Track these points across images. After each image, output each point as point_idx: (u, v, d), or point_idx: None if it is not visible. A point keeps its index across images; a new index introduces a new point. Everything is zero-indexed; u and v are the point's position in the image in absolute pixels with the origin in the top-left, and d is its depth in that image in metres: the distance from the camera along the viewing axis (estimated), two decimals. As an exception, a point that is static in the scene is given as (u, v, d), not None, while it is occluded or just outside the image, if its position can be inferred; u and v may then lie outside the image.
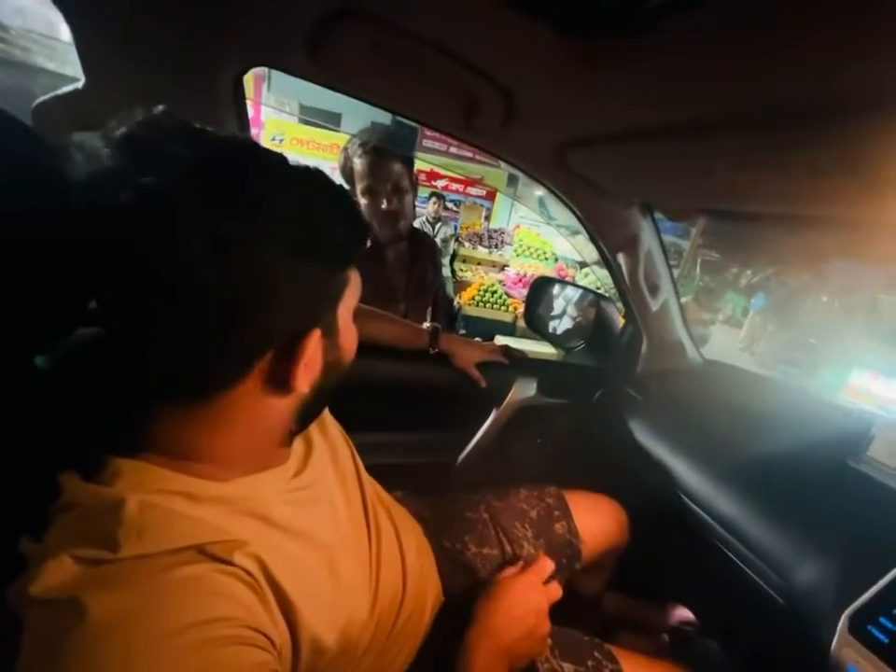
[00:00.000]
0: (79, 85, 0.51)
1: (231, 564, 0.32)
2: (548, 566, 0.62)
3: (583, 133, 0.58)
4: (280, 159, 0.36)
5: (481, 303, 3.80)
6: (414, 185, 1.18)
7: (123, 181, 0.29)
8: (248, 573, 0.33)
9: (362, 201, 1.11)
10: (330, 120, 4.41)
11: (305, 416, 0.43)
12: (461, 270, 4.29)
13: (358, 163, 1.07)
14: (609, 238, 0.88)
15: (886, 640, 0.49)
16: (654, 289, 0.94)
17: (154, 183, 0.29)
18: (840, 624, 0.52)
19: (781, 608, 0.61)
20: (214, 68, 0.54)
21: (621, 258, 0.89)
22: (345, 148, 1.10)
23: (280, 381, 0.37)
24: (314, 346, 0.37)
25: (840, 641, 0.51)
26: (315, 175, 0.37)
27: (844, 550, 0.59)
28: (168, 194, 0.29)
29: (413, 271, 1.27)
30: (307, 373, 0.38)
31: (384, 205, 1.10)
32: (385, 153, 1.07)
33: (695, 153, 0.51)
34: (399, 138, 1.18)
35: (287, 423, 0.42)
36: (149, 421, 0.36)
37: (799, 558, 0.61)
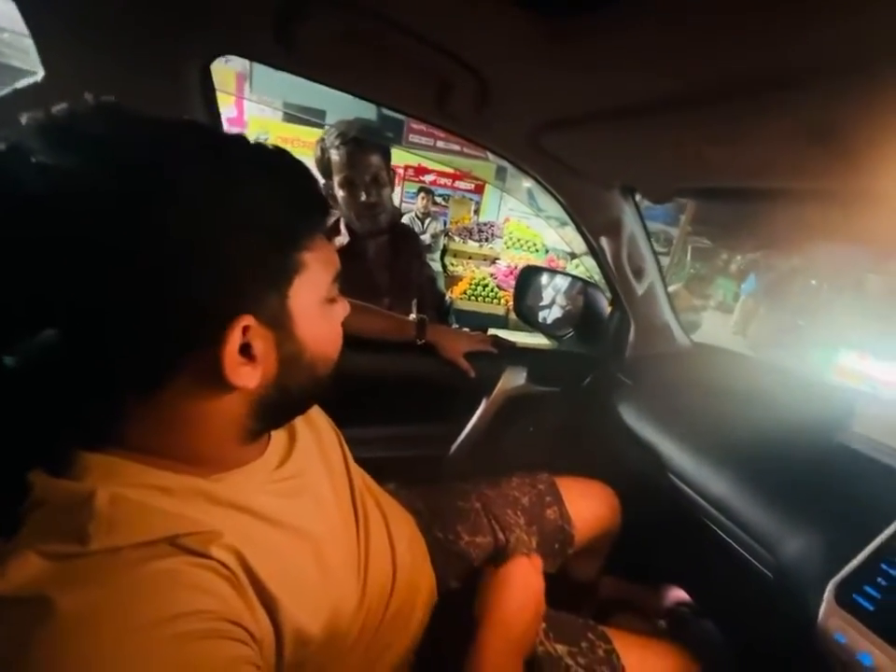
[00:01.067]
0: (38, 78, 0.50)
1: (206, 557, 0.32)
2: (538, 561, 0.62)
3: (557, 113, 0.57)
4: (224, 138, 0.35)
5: (472, 297, 3.80)
6: (392, 178, 1.17)
7: (26, 166, 0.27)
8: (225, 566, 0.32)
9: (340, 193, 1.10)
10: (315, 117, 4.37)
11: (270, 415, 0.39)
12: (452, 264, 4.28)
13: (336, 155, 1.06)
14: (592, 222, 0.87)
15: (871, 608, 0.50)
16: (639, 273, 0.94)
17: (57, 165, 0.28)
18: (826, 595, 0.53)
19: (770, 582, 0.62)
20: (180, 57, 0.53)
21: (604, 242, 0.89)
22: (322, 140, 1.09)
23: (214, 374, 0.33)
24: (258, 337, 0.34)
25: (827, 611, 0.52)
26: (266, 153, 0.36)
27: (829, 522, 0.60)
28: (74, 177, 0.28)
29: (395, 265, 1.26)
30: (255, 368, 0.35)
31: (362, 198, 1.08)
32: (364, 144, 1.06)
33: (667, 129, 0.51)
34: (378, 132, 1.16)
35: (241, 421, 0.38)
36: (117, 417, 0.35)
37: (786, 533, 0.62)
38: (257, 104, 4.53)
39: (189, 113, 0.56)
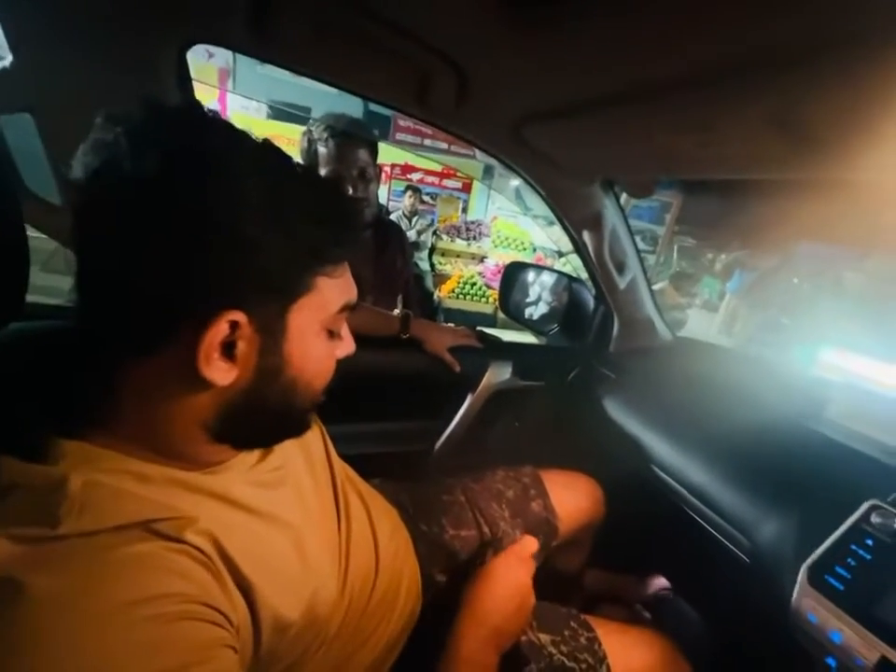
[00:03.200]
0: (6, 64, 0.49)
1: (181, 541, 0.31)
2: (531, 543, 0.61)
3: (536, 106, 0.58)
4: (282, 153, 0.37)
5: (461, 296, 3.81)
6: (378, 174, 1.17)
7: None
8: (200, 550, 0.32)
9: None
10: (299, 114, 4.34)
11: (233, 424, 0.37)
12: (440, 263, 4.28)
13: (323, 148, 1.05)
14: (574, 216, 0.88)
15: (841, 588, 0.51)
16: (621, 267, 0.95)
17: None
18: (800, 577, 0.54)
19: (747, 566, 0.63)
20: (153, 45, 0.52)
21: (586, 236, 0.90)
22: (308, 131, 1.07)
23: (191, 360, 0.33)
24: (244, 336, 0.34)
25: (800, 592, 0.53)
26: (320, 177, 0.39)
27: (802, 507, 0.62)
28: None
29: (379, 260, 1.26)
30: (232, 367, 0.34)
31: (349, 192, 1.08)
32: (352, 139, 1.05)
33: (640, 121, 0.51)
34: (366, 127, 1.16)
35: (204, 419, 0.36)
36: (97, 401, 0.35)
37: (761, 518, 0.63)
38: (241, 100, 4.47)
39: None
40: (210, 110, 0.37)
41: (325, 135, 1.04)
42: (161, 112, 0.34)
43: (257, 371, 0.36)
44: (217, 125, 0.35)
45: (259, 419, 0.39)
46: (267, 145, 0.37)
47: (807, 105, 0.39)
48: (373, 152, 1.12)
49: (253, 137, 0.36)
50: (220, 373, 0.34)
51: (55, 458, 0.32)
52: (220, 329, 0.32)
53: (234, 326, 0.33)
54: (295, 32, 0.51)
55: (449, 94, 0.59)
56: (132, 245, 0.31)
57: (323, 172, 1.07)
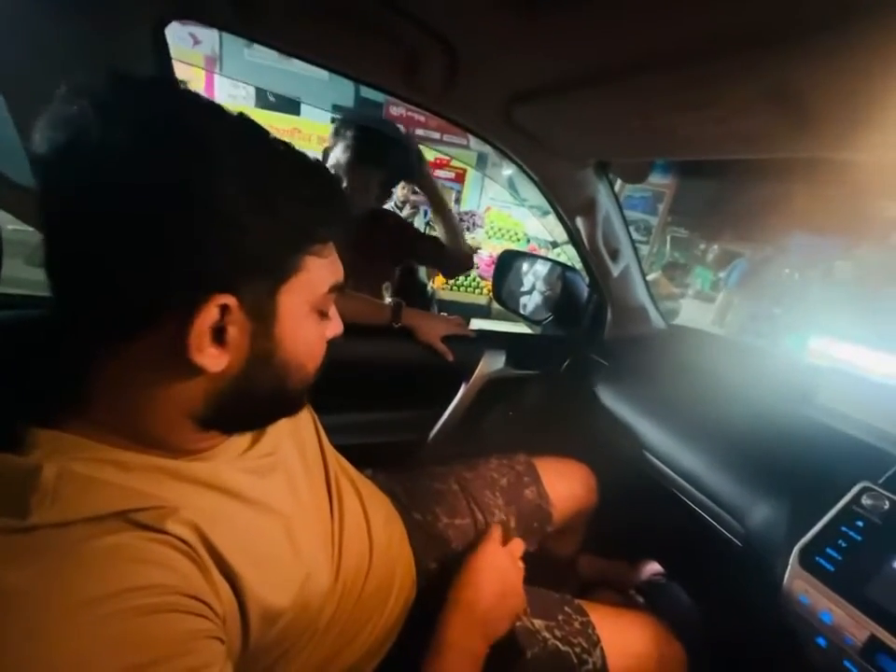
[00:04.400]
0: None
1: (161, 532, 0.30)
2: (518, 545, 0.63)
3: (528, 85, 0.56)
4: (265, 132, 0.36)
5: (455, 287, 3.80)
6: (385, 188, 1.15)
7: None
8: (183, 541, 0.31)
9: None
10: (288, 104, 4.26)
11: (224, 411, 0.37)
12: (434, 254, 4.25)
13: (340, 160, 1.03)
14: (567, 202, 0.87)
15: (832, 569, 0.52)
16: (614, 254, 0.95)
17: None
18: (791, 559, 0.54)
19: (739, 550, 0.64)
20: (128, 19, 0.50)
21: (579, 222, 0.89)
22: (336, 133, 1.07)
23: (178, 347, 0.32)
24: (233, 321, 0.33)
25: (792, 574, 0.54)
26: (305, 157, 0.36)
27: (794, 490, 0.62)
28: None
29: (363, 246, 1.23)
30: (223, 353, 0.33)
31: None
32: (368, 160, 1.04)
33: (635, 99, 0.50)
34: (400, 155, 1.12)
35: (193, 406, 0.35)
36: (69, 390, 0.34)
37: (753, 502, 0.64)
38: (229, 89, 4.38)
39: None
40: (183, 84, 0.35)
41: (344, 158, 1.03)
42: (130, 82, 0.32)
43: (248, 355, 0.35)
44: (190, 96, 0.34)
45: (251, 404, 0.38)
46: (245, 119, 0.35)
47: (808, 81, 0.38)
48: (390, 175, 1.09)
49: (230, 112, 0.35)
50: (212, 360, 0.33)
51: (28, 447, 0.31)
52: (210, 314, 0.32)
53: (224, 310, 0.32)
54: (278, 9, 0.49)
55: (437, 73, 0.57)
56: (105, 226, 0.30)
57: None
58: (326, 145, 1.09)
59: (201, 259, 0.31)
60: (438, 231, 1.28)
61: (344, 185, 1.05)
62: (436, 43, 0.51)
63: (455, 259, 1.30)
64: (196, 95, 0.34)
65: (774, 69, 0.38)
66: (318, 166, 0.38)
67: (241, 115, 0.35)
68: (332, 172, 1.04)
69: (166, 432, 0.36)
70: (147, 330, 0.32)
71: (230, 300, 0.32)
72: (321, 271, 0.38)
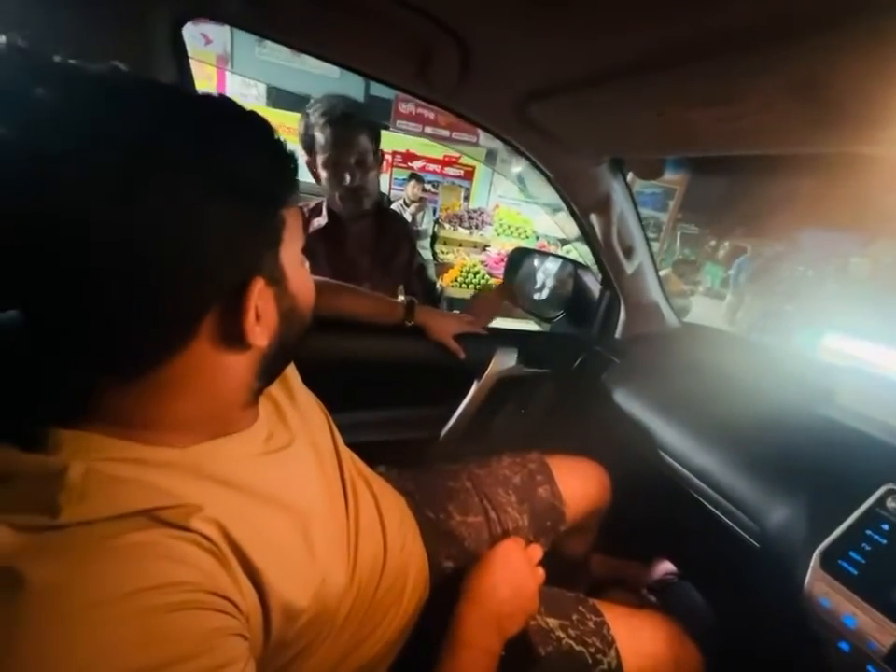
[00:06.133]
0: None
1: (187, 529, 0.31)
2: (536, 551, 0.62)
3: (542, 80, 0.55)
4: (170, 93, 0.33)
5: (463, 285, 3.79)
6: (380, 160, 1.13)
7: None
8: (207, 538, 0.32)
9: (323, 174, 1.06)
10: (299, 102, 4.28)
11: (268, 372, 0.42)
12: (442, 252, 4.25)
13: (321, 134, 1.01)
14: (581, 199, 0.86)
15: (855, 572, 0.51)
16: (629, 252, 0.94)
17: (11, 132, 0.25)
18: (812, 561, 0.53)
19: (757, 551, 0.63)
20: (145, 19, 0.50)
21: (594, 219, 0.88)
22: (306, 115, 1.03)
23: (233, 337, 0.35)
24: (262, 296, 0.35)
25: (813, 577, 0.53)
26: (221, 107, 0.34)
27: (814, 492, 0.61)
28: (34, 144, 0.26)
29: (378, 249, 1.23)
30: (263, 326, 0.36)
31: (346, 181, 1.05)
32: (351, 124, 1.01)
33: (652, 95, 0.49)
34: (367, 110, 1.12)
35: (248, 381, 0.40)
36: (93, 392, 0.34)
37: (772, 503, 0.63)
38: (240, 87, 4.40)
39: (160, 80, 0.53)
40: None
41: (322, 121, 1.00)
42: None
43: (280, 317, 0.39)
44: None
45: (287, 354, 0.44)
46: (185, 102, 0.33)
47: (832, 74, 0.37)
48: (374, 137, 1.08)
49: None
50: (260, 336, 0.36)
51: (53, 448, 0.31)
52: (254, 301, 0.34)
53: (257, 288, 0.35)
54: (293, 4, 0.49)
55: (451, 69, 0.57)
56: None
57: (320, 158, 1.04)
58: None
59: (219, 266, 0.33)
60: None
61: (341, 160, 1.03)
62: (449, 39, 0.51)
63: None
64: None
65: (797, 63, 0.37)
66: (234, 113, 0.35)
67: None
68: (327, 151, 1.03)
69: (213, 415, 0.38)
70: (199, 331, 0.34)
71: (260, 282, 0.35)
72: (293, 217, 0.39)
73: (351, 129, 1.02)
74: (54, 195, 0.26)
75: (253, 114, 0.36)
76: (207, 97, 0.34)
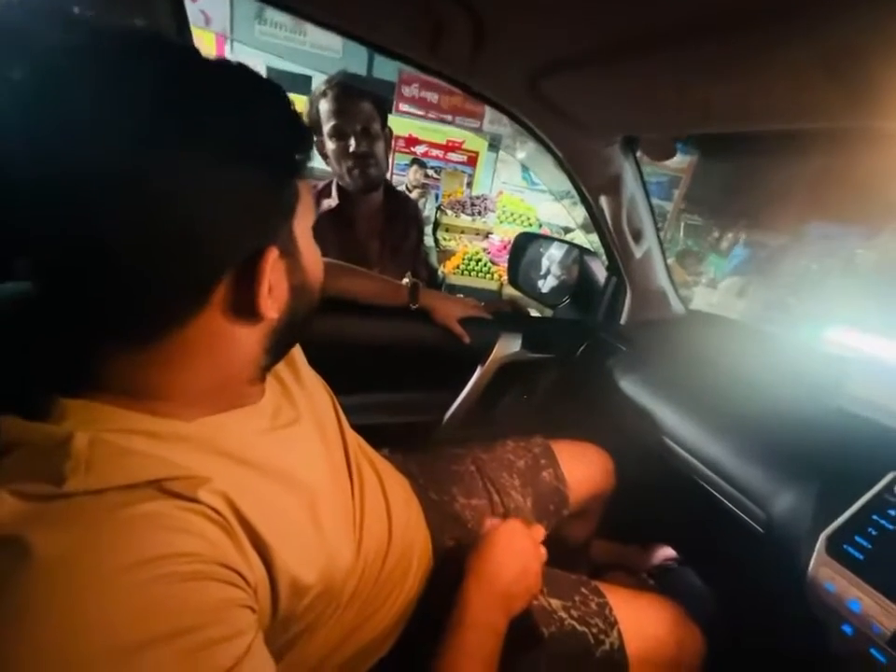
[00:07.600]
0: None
1: (195, 501, 0.30)
2: (539, 531, 0.62)
3: (556, 54, 0.53)
4: (191, 54, 0.32)
5: (465, 272, 3.76)
6: (388, 136, 1.11)
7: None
8: (215, 510, 0.31)
9: (330, 145, 1.05)
10: (299, 83, 4.20)
11: (277, 348, 0.41)
12: (444, 239, 4.20)
13: (324, 104, 1.01)
14: (591, 180, 0.84)
15: (861, 557, 0.51)
16: (637, 235, 0.92)
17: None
18: (817, 546, 0.53)
19: (761, 536, 0.63)
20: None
21: (603, 201, 0.86)
22: (311, 93, 1.03)
23: (244, 308, 0.34)
24: (275, 267, 0.35)
25: (818, 562, 0.53)
26: (239, 71, 0.33)
27: (820, 478, 0.60)
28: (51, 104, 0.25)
29: (387, 232, 1.22)
30: (274, 298, 0.36)
31: (352, 147, 1.03)
32: (353, 91, 1.01)
33: (669, 70, 0.47)
34: (368, 82, 1.12)
35: (257, 355, 0.39)
36: (100, 361, 0.33)
37: (777, 489, 0.63)
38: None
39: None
40: None
41: (323, 87, 1.00)
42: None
43: (290, 290, 0.38)
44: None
45: (296, 329, 0.42)
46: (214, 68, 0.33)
47: (869, 45, 0.35)
48: (379, 107, 1.07)
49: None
50: (271, 308, 0.35)
51: (59, 417, 0.31)
52: (268, 271, 0.34)
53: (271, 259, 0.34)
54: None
55: (464, 42, 0.55)
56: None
57: (325, 129, 1.03)
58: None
59: (238, 235, 0.32)
60: None
61: (346, 128, 1.02)
62: (462, 11, 0.49)
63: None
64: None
65: (833, 33, 0.35)
66: (254, 78, 0.35)
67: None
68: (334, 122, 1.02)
69: (221, 386, 0.38)
70: (211, 300, 0.33)
71: (274, 252, 0.34)
72: (307, 192, 0.39)
73: (352, 95, 1.02)
74: (69, 150, 0.26)
75: (270, 81, 0.35)
76: (226, 62, 0.33)
